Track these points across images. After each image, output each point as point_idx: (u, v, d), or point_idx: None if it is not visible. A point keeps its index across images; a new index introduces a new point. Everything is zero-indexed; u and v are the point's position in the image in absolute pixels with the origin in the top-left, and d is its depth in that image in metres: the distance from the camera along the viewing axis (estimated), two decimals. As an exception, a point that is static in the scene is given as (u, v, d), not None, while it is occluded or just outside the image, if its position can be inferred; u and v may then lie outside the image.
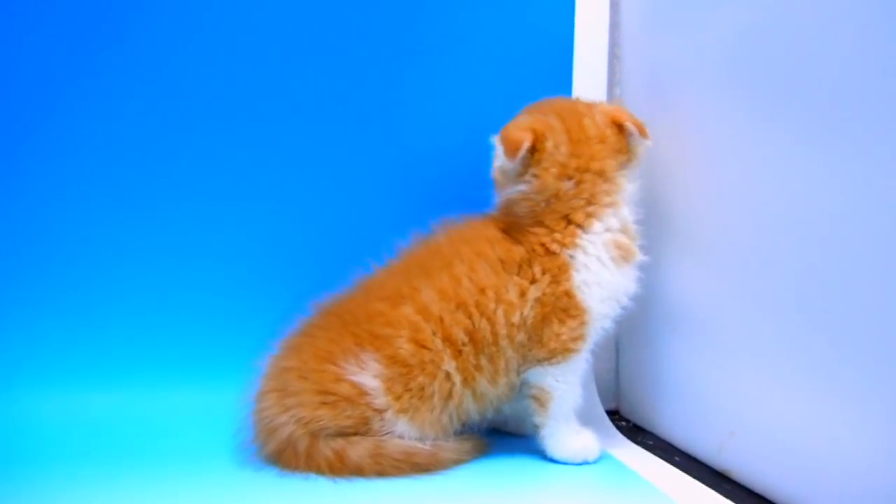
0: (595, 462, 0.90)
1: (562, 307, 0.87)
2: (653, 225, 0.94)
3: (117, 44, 1.03)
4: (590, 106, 0.92)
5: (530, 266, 0.88)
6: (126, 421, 0.99)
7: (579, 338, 0.88)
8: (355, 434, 0.85)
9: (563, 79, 1.08)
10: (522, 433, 0.95)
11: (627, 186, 0.90)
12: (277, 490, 0.82)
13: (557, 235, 0.87)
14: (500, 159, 0.91)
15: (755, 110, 0.81)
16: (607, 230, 0.88)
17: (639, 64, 1.06)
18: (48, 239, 1.04)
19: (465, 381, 0.87)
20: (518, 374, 0.89)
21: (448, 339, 0.86)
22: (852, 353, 0.69)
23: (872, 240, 0.67)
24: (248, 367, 0.91)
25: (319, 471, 0.84)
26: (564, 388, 0.89)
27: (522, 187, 0.89)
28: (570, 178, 0.88)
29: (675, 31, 0.97)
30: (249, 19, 1.04)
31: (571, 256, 0.87)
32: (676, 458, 0.94)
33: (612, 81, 1.10)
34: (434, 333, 0.86)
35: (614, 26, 1.09)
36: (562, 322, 0.87)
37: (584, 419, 0.92)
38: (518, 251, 0.88)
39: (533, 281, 0.87)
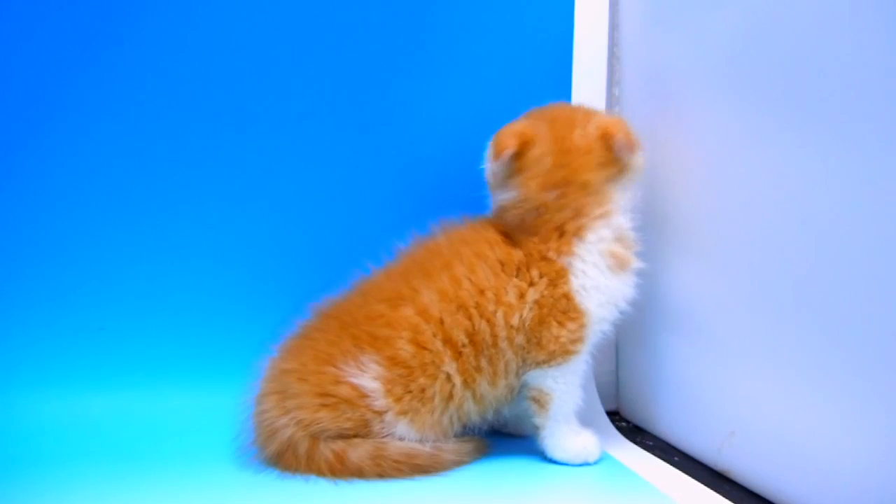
0: (595, 463, 0.90)
1: (561, 309, 0.87)
2: (652, 226, 0.94)
3: (117, 45, 1.02)
4: (589, 115, 0.91)
5: (528, 269, 0.88)
6: (126, 423, 0.99)
7: (578, 340, 0.88)
8: (355, 436, 0.85)
9: (562, 79, 1.08)
10: (522, 434, 0.95)
11: (620, 197, 0.89)
12: (278, 492, 0.82)
13: (552, 244, 0.87)
14: (489, 162, 0.91)
15: (755, 111, 0.81)
16: (601, 240, 0.88)
17: (638, 64, 1.06)
18: (48, 240, 1.03)
19: (465, 383, 0.87)
20: (517, 376, 0.89)
21: (448, 341, 0.86)
22: (852, 354, 0.70)
23: (872, 240, 0.67)
24: (248, 369, 0.91)
25: (320, 473, 0.84)
26: (564, 390, 0.89)
27: (510, 194, 0.89)
28: (553, 188, 0.87)
29: (674, 32, 0.97)
30: (249, 22, 1.04)
31: (569, 263, 0.87)
32: (676, 459, 0.94)
33: (612, 81, 1.10)
34: (434, 335, 0.86)
35: (614, 26, 1.09)
36: (560, 324, 0.87)
37: (585, 420, 0.92)
38: (517, 254, 0.88)
39: (531, 284, 0.87)
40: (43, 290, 1.04)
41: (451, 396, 0.87)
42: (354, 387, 0.85)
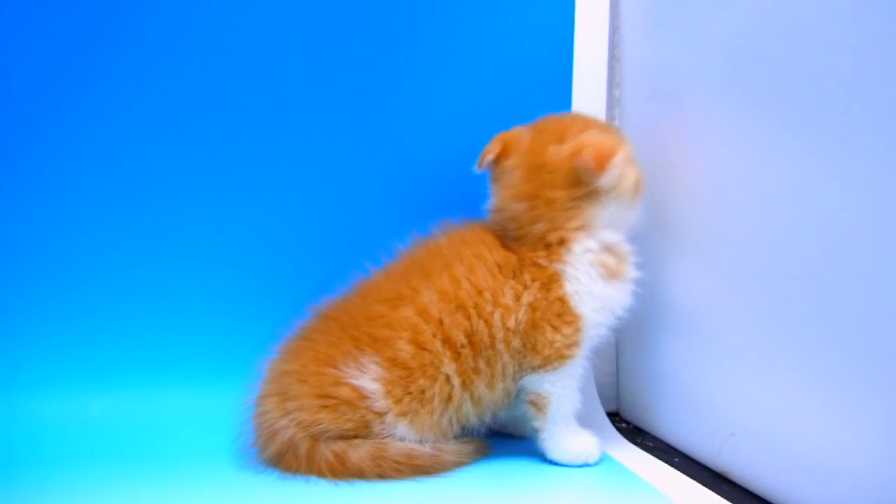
0: (596, 464, 0.90)
1: (555, 313, 0.87)
2: (653, 227, 0.94)
3: (118, 45, 1.02)
4: (582, 130, 0.89)
5: (522, 273, 0.88)
6: (126, 424, 0.99)
7: (574, 344, 0.88)
8: (356, 437, 0.86)
9: (562, 80, 1.08)
10: (523, 435, 0.95)
11: (600, 214, 0.87)
12: (278, 493, 0.82)
13: (541, 252, 0.88)
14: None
15: (755, 112, 0.81)
16: (587, 251, 0.88)
17: (638, 65, 1.06)
18: (48, 241, 1.03)
19: (463, 385, 0.87)
20: (514, 380, 0.89)
21: (448, 341, 0.86)
22: (852, 354, 0.70)
23: (872, 241, 0.67)
24: (248, 370, 0.91)
25: (320, 474, 0.84)
26: (561, 393, 0.89)
27: (491, 200, 0.91)
28: (522, 200, 0.88)
29: (674, 33, 0.97)
30: (250, 22, 1.04)
31: (561, 269, 0.87)
32: (676, 460, 0.94)
33: (612, 83, 1.10)
34: (434, 335, 0.86)
35: (614, 28, 1.09)
36: (555, 329, 0.87)
37: (585, 421, 0.92)
38: (511, 257, 0.89)
39: (525, 287, 0.87)
40: (43, 291, 1.04)
41: (449, 398, 0.87)
42: (355, 388, 0.85)
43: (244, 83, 1.05)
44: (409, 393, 0.86)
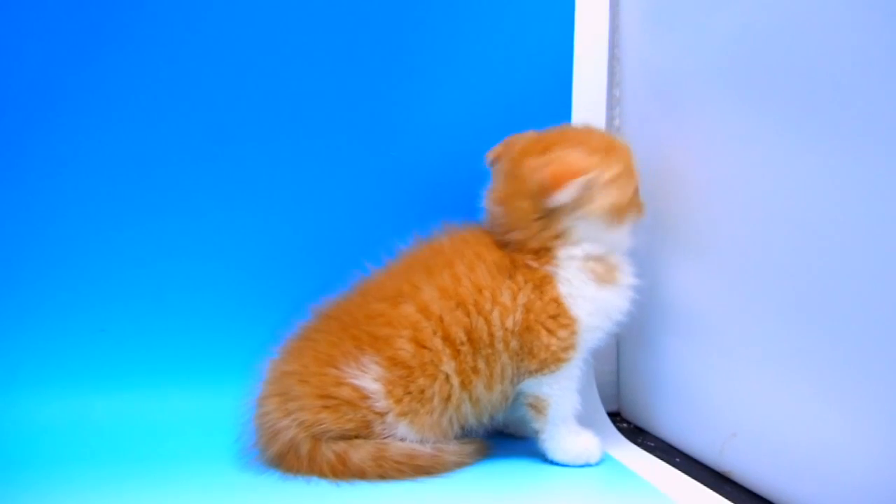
0: (597, 464, 0.90)
1: (550, 315, 0.87)
2: (653, 227, 0.94)
3: (118, 46, 1.02)
4: (570, 145, 0.88)
5: (515, 273, 0.88)
6: (127, 425, 0.99)
7: (570, 347, 0.88)
8: (357, 437, 0.86)
9: (563, 81, 1.08)
10: (524, 435, 0.95)
11: (573, 228, 0.87)
12: (280, 493, 0.82)
13: (529, 256, 0.88)
14: None
15: (755, 111, 0.81)
16: (571, 258, 0.88)
17: (638, 65, 1.06)
18: (49, 242, 1.03)
19: (462, 385, 0.87)
20: (512, 383, 0.89)
21: (447, 339, 0.86)
22: (853, 354, 0.70)
23: (872, 241, 0.67)
24: (249, 370, 0.91)
25: (322, 474, 0.84)
26: (560, 395, 0.89)
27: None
28: (499, 205, 0.89)
29: (674, 33, 0.97)
30: (251, 23, 1.04)
31: (552, 272, 0.88)
32: (677, 460, 0.94)
33: (612, 83, 1.10)
34: (434, 332, 0.86)
35: (614, 28, 1.09)
36: (551, 332, 0.87)
37: (586, 421, 0.92)
38: (506, 258, 0.89)
39: (520, 287, 0.88)
40: (44, 292, 1.04)
41: (449, 398, 0.87)
42: (356, 388, 0.85)
43: (244, 84, 1.05)
44: (409, 393, 0.86)
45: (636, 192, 0.90)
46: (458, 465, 0.87)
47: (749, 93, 0.82)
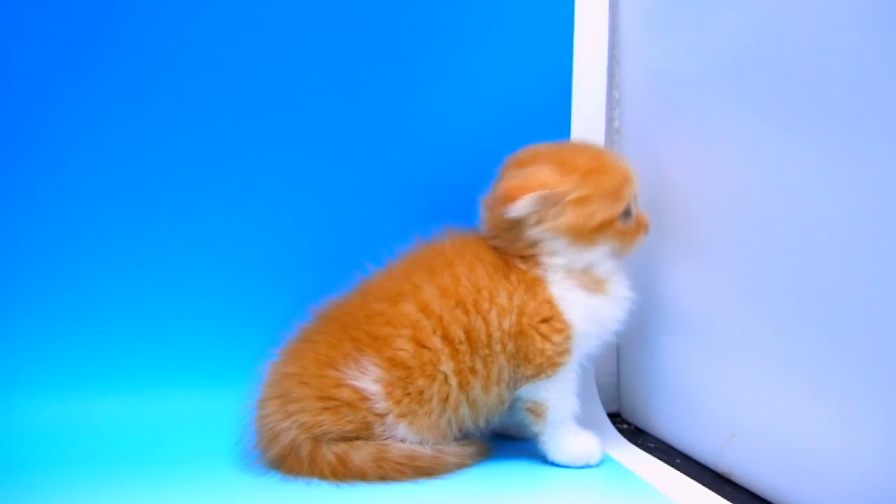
0: (597, 465, 0.90)
1: (544, 318, 0.87)
2: (653, 228, 0.94)
3: (118, 46, 1.02)
4: (544, 162, 0.88)
5: (510, 274, 0.89)
6: (127, 427, 0.99)
7: (565, 352, 0.88)
8: (357, 438, 0.86)
9: (562, 82, 1.08)
10: (524, 437, 0.95)
11: (541, 242, 0.88)
12: (281, 495, 0.82)
13: (519, 259, 0.89)
14: None
15: (754, 112, 0.81)
16: (553, 266, 0.88)
17: (638, 67, 1.06)
18: (49, 244, 1.03)
19: (460, 385, 0.87)
20: (509, 387, 0.89)
21: (446, 338, 0.87)
22: (853, 355, 0.70)
23: (872, 241, 0.67)
24: (250, 372, 0.91)
25: (322, 475, 0.84)
26: (558, 398, 0.89)
27: None
28: (485, 210, 0.91)
29: (674, 34, 0.97)
30: (252, 24, 1.04)
31: (542, 275, 0.88)
32: (677, 461, 0.94)
33: (612, 84, 1.10)
34: (434, 331, 0.87)
35: (613, 29, 1.09)
36: (545, 337, 0.87)
37: (586, 422, 0.92)
38: (500, 260, 0.89)
39: (514, 288, 0.88)
40: (44, 294, 1.04)
41: (447, 398, 0.87)
42: (356, 390, 0.86)
43: (246, 86, 1.05)
44: (409, 394, 0.86)
45: (618, 216, 0.88)
46: (459, 466, 0.88)
47: (749, 94, 0.82)
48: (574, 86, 1.08)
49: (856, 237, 0.69)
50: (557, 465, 0.90)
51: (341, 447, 0.85)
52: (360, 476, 0.84)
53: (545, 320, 0.87)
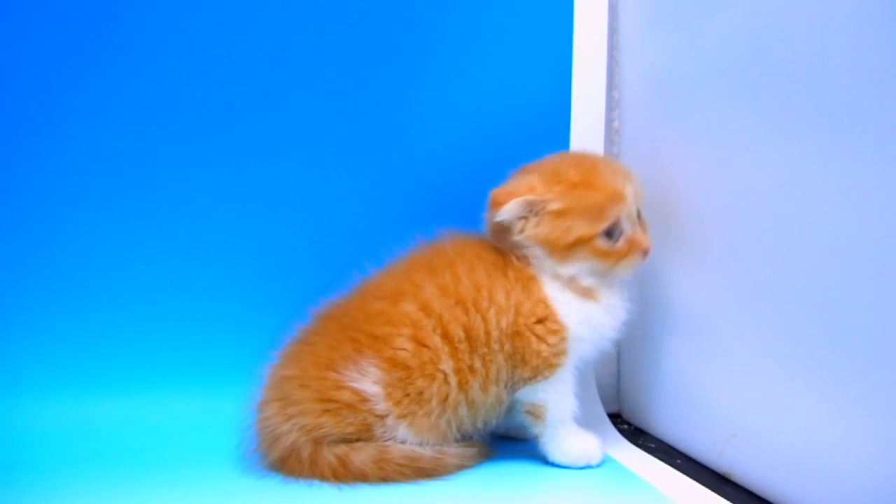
0: (598, 465, 0.90)
1: (539, 317, 0.87)
2: (653, 229, 0.94)
3: (119, 47, 1.03)
4: (542, 172, 0.89)
5: (507, 270, 0.89)
6: (127, 429, 0.99)
7: (561, 353, 0.88)
8: (358, 440, 0.86)
9: (562, 82, 1.08)
10: (525, 438, 0.95)
11: (530, 249, 0.88)
12: (282, 497, 0.82)
13: (514, 256, 0.89)
14: None
15: (754, 113, 0.81)
16: (543, 268, 0.89)
17: (638, 67, 1.06)
18: (49, 245, 1.04)
19: (460, 385, 0.87)
20: (506, 388, 0.89)
21: (446, 336, 0.87)
22: (853, 356, 0.70)
23: (872, 242, 0.67)
24: (251, 373, 0.91)
25: (323, 477, 0.84)
26: (557, 399, 0.89)
27: None
28: (488, 211, 0.90)
29: (673, 35, 0.97)
30: (253, 25, 1.04)
31: (536, 274, 0.89)
32: (678, 461, 0.94)
33: (612, 84, 1.10)
34: (434, 329, 0.87)
35: (613, 30, 1.09)
36: (540, 339, 0.87)
37: (586, 423, 0.92)
38: (500, 258, 0.90)
39: (512, 285, 0.88)
40: (44, 296, 1.04)
41: (446, 399, 0.87)
42: (356, 391, 0.86)
43: (246, 87, 1.05)
44: (408, 395, 0.86)
45: (597, 235, 0.87)
46: (460, 467, 0.88)
47: (748, 95, 0.82)
48: (574, 87, 1.08)
49: (856, 238, 0.69)
50: (558, 466, 0.90)
51: (342, 449, 0.85)
52: (361, 477, 0.84)
53: (540, 321, 0.87)
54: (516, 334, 0.87)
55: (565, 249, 0.87)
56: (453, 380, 0.87)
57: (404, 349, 0.86)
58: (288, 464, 0.85)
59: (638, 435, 1.04)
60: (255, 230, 1.06)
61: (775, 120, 0.78)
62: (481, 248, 0.91)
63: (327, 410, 0.85)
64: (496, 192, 0.88)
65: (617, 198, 0.87)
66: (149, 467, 0.90)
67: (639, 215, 0.90)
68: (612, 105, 1.10)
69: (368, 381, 0.86)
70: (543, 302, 0.88)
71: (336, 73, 1.06)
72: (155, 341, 1.05)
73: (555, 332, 0.87)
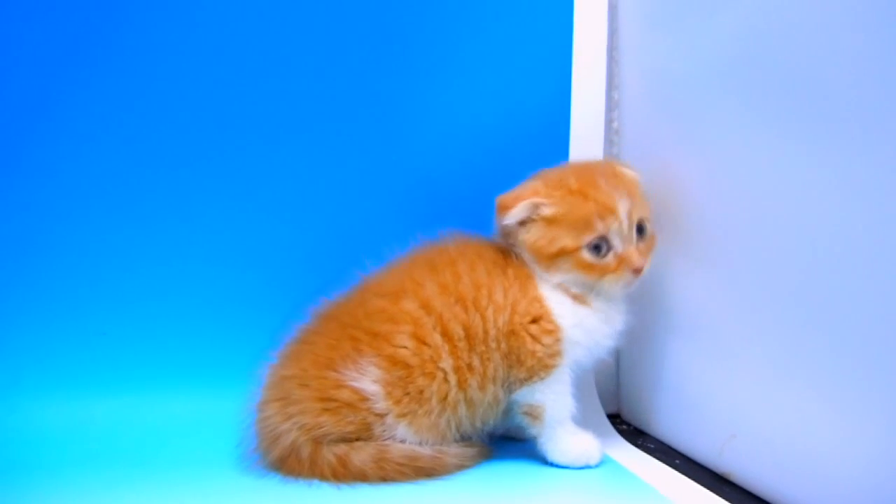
0: (597, 466, 0.90)
1: (534, 317, 0.88)
2: (651, 227, 0.94)
3: (118, 47, 1.03)
4: (544, 178, 0.90)
5: (507, 267, 0.89)
6: (127, 429, 0.99)
7: (556, 354, 0.88)
8: (358, 439, 0.86)
9: (562, 82, 1.08)
10: (524, 438, 0.95)
11: (527, 255, 0.90)
12: (282, 497, 0.82)
13: (513, 258, 0.90)
14: None
15: (754, 114, 0.81)
16: (539, 271, 0.89)
17: (638, 67, 1.06)
18: (49, 245, 1.04)
19: (459, 384, 0.87)
20: (504, 388, 0.89)
21: (446, 334, 0.87)
22: (853, 356, 0.70)
23: (872, 242, 0.67)
24: (251, 373, 0.91)
25: (323, 477, 0.84)
26: (554, 399, 0.89)
27: None
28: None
29: (673, 35, 0.97)
30: (253, 25, 1.04)
31: (534, 273, 0.89)
32: (677, 462, 0.94)
33: (611, 85, 1.10)
34: (434, 327, 0.87)
35: (613, 30, 1.09)
36: (535, 339, 0.87)
37: (586, 423, 0.92)
38: (500, 256, 0.90)
39: (510, 283, 0.89)
40: (44, 295, 1.04)
41: (446, 397, 0.87)
42: (355, 390, 0.86)
43: (246, 87, 1.05)
44: (408, 394, 0.86)
45: (582, 248, 0.87)
46: (460, 467, 0.88)
47: (748, 95, 0.82)
48: (574, 87, 1.08)
49: (856, 238, 0.69)
50: (557, 466, 0.90)
51: (342, 448, 0.85)
52: (361, 477, 0.84)
53: (535, 320, 0.88)
54: (511, 333, 0.87)
55: (549, 259, 0.88)
56: (453, 378, 0.87)
57: (405, 347, 0.87)
58: (288, 463, 0.85)
59: (637, 435, 1.04)
60: (255, 230, 1.06)
61: (775, 120, 0.78)
62: (483, 247, 0.92)
63: (327, 409, 0.85)
64: (502, 197, 0.89)
65: (605, 212, 0.86)
66: (149, 467, 0.90)
67: (643, 230, 0.89)
68: (611, 105, 1.10)
69: (368, 380, 0.86)
70: (539, 300, 0.88)
71: (336, 72, 1.06)
72: (155, 341, 1.05)
73: (549, 332, 0.88)
